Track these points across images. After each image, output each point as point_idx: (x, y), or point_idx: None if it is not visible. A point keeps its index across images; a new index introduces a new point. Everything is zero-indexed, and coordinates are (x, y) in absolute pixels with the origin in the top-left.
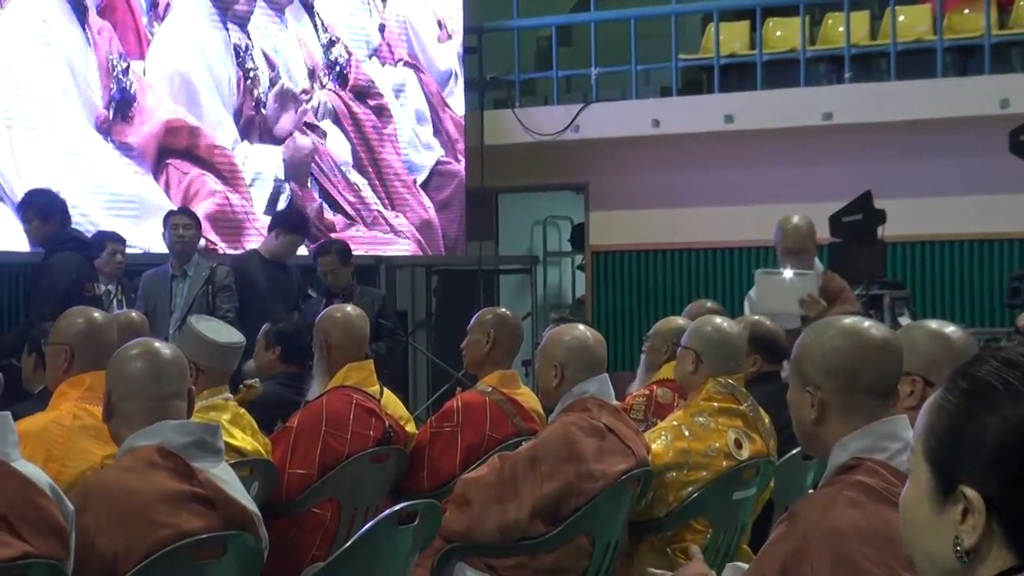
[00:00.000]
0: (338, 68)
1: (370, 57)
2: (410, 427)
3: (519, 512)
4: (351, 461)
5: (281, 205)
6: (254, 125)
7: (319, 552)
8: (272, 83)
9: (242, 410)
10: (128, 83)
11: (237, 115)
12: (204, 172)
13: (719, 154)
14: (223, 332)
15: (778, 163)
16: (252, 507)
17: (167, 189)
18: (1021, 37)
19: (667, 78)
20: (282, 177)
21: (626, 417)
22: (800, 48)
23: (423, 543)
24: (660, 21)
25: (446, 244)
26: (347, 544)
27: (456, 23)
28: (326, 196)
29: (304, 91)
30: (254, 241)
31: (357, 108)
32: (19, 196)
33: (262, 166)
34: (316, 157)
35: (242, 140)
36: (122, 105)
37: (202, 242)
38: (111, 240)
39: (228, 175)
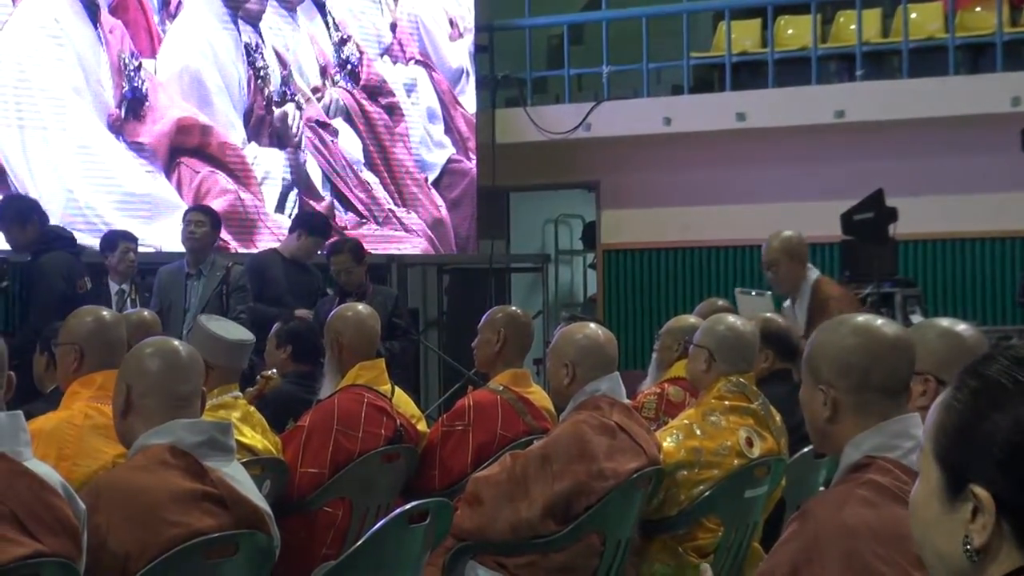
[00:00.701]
0: (350, 66)
1: (382, 55)
2: (421, 426)
3: (530, 511)
4: (363, 460)
5: (291, 204)
6: (264, 124)
7: (330, 551)
8: (283, 81)
9: (252, 408)
10: (140, 82)
11: (247, 114)
12: (215, 171)
13: (731, 152)
14: (232, 330)
15: (790, 161)
16: (264, 506)
17: (179, 188)
18: None
19: (679, 76)
20: (291, 177)
21: (637, 415)
22: (812, 46)
23: (434, 542)
24: (672, 19)
25: (458, 242)
26: (359, 543)
27: (468, 21)
28: (337, 195)
29: (315, 89)
30: (265, 239)
31: (369, 106)
32: (32, 194)
33: (271, 165)
34: (328, 155)
35: (251, 139)
36: (134, 104)
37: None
38: (123, 239)
39: (240, 174)
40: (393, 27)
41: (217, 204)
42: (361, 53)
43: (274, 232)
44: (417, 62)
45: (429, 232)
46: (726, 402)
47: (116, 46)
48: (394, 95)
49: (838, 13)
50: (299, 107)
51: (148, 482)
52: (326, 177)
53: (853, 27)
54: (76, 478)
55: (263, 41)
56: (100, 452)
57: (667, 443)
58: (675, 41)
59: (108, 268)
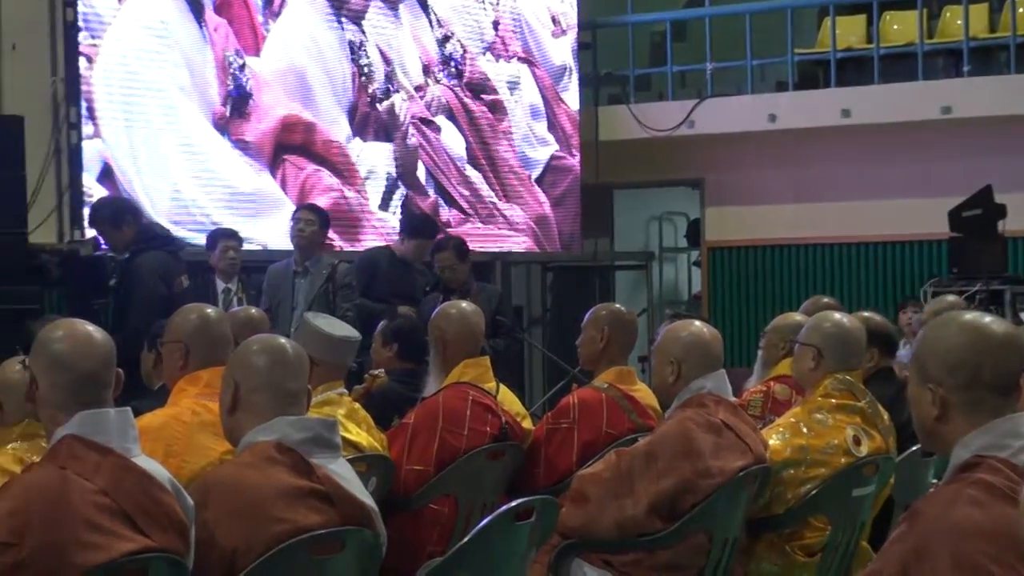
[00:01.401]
0: (452, 63)
1: (484, 52)
2: (526, 423)
3: (636, 508)
4: (468, 457)
5: (395, 201)
6: (368, 121)
7: (436, 547)
8: (387, 78)
9: (357, 405)
10: (244, 79)
11: (351, 111)
12: (320, 168)
13: (836, 149)
14: (338, 327)
15: (896, 158)
16: (370, 502)
17: (283, 185)
18: None
19: (783, 72)
20: (395, 174)
21: (743, 413)
22: (918, 41)
23: (540, 539)
24: (775, 15)
25: (561, 240)
26: (464, 540)
27: (570, 18)
28: (441, 191)
29: (418, 87)
30: (370, 237)
31: (471, 103)
32: (139, 192)
33: (375, 162)
34: (431, 152)
35: (355, 136)
36: (239, 101)
37: None
38: (224, 237)
39: (344, 171)
40: (496, 24)
41: (321, 201)
42: (464, 50)
43: (378, 229)
44: (520, 59)
45: (533, 229)
46: (833, 400)
47: (221, 44)
48: (497, 92)
49: (944, 8)
50: (405, 99)
51: (255, 479)
52: (429, 174)
53: (960, 22)
54: (184, 475)
55: (366, 38)
56: (207, 449)
57: (773, 441)
58: (779, 37)
59: (213, 266)
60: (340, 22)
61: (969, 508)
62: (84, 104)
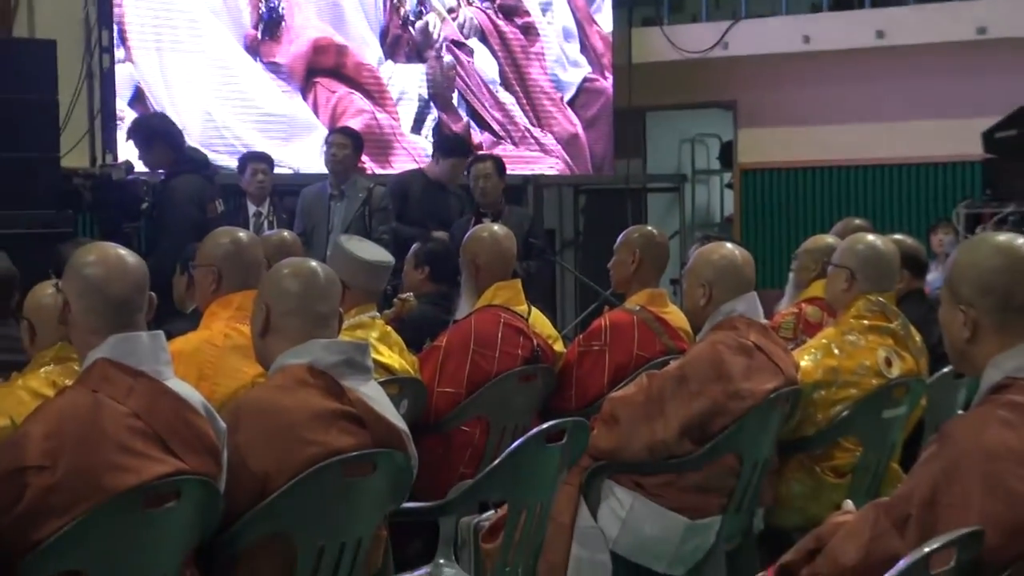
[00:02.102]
0: None
1: None
2: (558, 346)
3: (666, 431)
4: (499, 380)
5: (428, 125)
6: (400, 44)
7: (467, 469)
8: (419, 0)
9: (389, 328)
10: (276, 2)
11: (383, 34)
12: (352, 91)
13: (870, 70)
14: (371, 251)
15: (930, 78)
16: (401, 425)
17: (315, 108)
18: None
19: None
20: (426, 96)
21: (774, 335)
22: None
23: (571, 461)
24: None
25: (593, 162)
26: (495, 462)
27: None
28: (473, 114)
29: (451, 9)
30: (402, 160)
31: (504, 26)
32: (170, 117)
33: (407, 85)
34: (463, 75)
35: (387, 59)
36: (270, 25)
37: None
38: (253, 160)
39: (376, 94)
40: None
41: (353, 124)
42: None
43: (410, 153)
44: None
45: (564, 152)
46: (865, 321)
47: None
48: (529, 14)
49: None
50: (437, 21)
51: (287, 402)
52: (462, 97)
53: None
54: (216, 398)
55: None
56: (240, 372)
57: (805, 362)
58: None
59: (244, 190)
60: None
61: (1000, 429)
62: (116, 28)
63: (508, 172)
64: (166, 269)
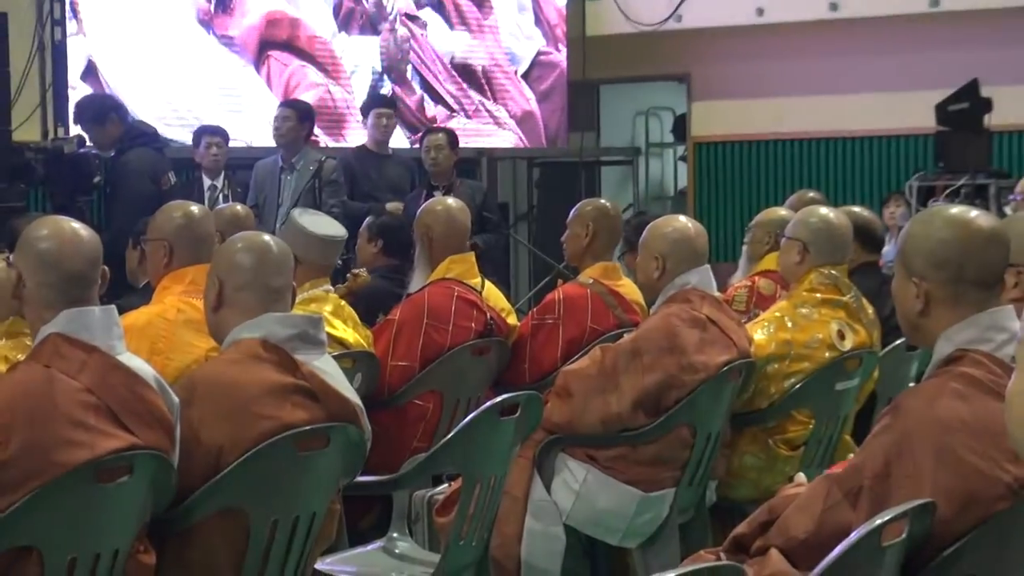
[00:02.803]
0: None
1: None
2: (512, 319)
3: (620, 404)
4: (453, 353)
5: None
6: (353, 16)
7: (421, 443)
8: None
9: (343, 302)
10: None
11: (337, 7)
12: (305, 64)
13: (823, 43)
14: (324, 225)
15: (883, 51)
16: (355, 399)
17: (268, 82)
18: None
19: None
20: (380, 69)
21: (727, 308)
22: None
23: (525, 434)
24: None
25: (547, 135)
26: (449, 435)
27: None
28: (427, 88)
29: None
30: (355, 133)
31: None
32: (123, 90)
33: (361, 58)
34: (417, 48)
35: (340, 31)
36: None
37: None
38: (207, 133)
39: (329, 67)
40: None
41: (307, 98)
42: None
43: (364, 127)
44: None
45: (518, 126)
46: (818, 295)
47: None
48: None
49: None
50: None
51: (240, 376)
52: (415, 70)
53: None
54: (169, 372)
55: None
56: (192, 346)
57: (758, 335)
58: None
59: (198, 163)
60: None
61: (952, 402)
62: (68, 0)
63: (462, 145)
64: (120, 243)
